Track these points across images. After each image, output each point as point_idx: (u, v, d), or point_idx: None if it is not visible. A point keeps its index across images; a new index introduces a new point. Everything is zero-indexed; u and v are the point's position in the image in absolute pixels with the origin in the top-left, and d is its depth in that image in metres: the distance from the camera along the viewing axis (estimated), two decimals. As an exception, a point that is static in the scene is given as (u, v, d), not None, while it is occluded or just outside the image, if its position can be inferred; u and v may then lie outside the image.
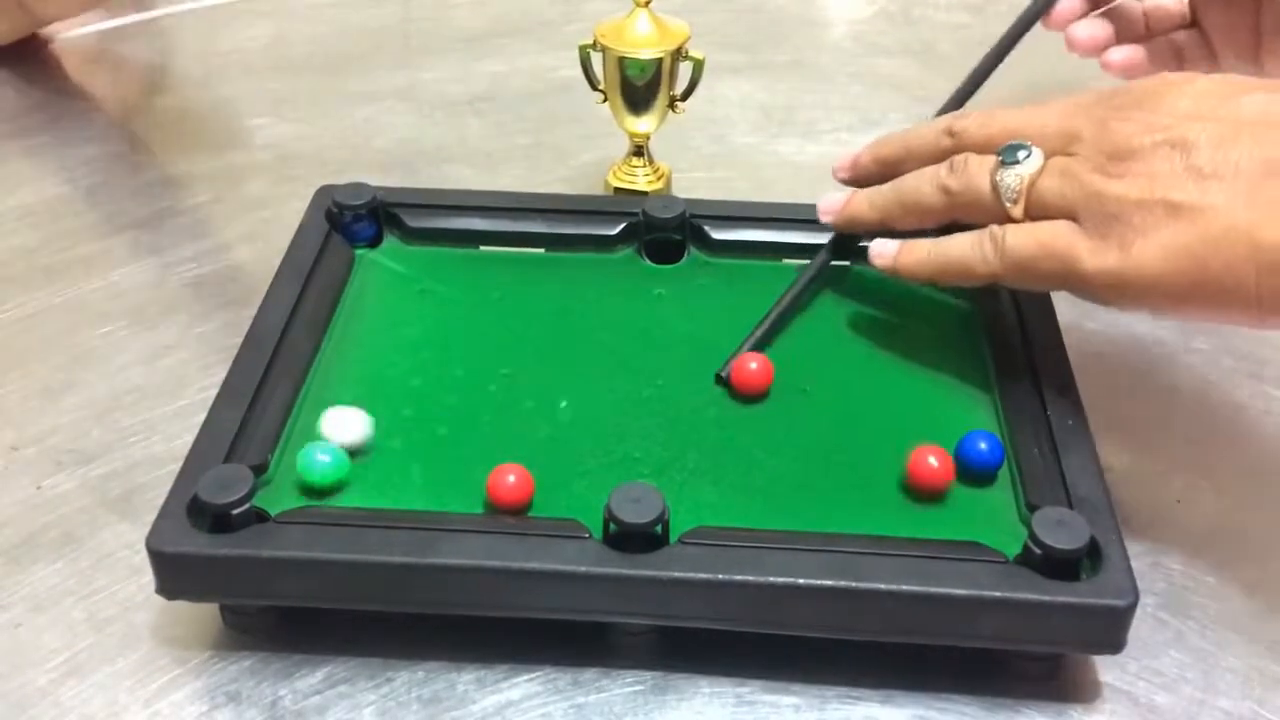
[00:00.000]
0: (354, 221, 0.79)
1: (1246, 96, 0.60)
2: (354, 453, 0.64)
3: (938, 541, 0.60)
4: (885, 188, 0.71)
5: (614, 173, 0.95)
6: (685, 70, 0.90)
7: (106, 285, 0.86)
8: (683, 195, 0.90)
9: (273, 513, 0.60)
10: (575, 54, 0.90)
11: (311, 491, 0.62)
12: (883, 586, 0.56)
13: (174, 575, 0.58)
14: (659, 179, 0.94)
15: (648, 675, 0.60)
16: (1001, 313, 0.73)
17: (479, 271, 0.79)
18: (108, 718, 0.58)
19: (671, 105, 0.91)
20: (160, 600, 0.60)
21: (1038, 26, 0.84)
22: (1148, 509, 0.70)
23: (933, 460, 0.62)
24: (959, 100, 0.80)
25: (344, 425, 0.65)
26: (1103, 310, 0.85)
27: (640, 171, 0.94)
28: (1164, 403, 0.78)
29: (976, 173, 0.66)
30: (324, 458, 0.62)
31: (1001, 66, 0.80)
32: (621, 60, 0.87)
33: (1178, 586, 0.65)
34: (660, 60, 0.87)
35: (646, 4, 0.87)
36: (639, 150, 0.94)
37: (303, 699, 0.59)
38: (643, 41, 0.87)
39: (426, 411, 0.68)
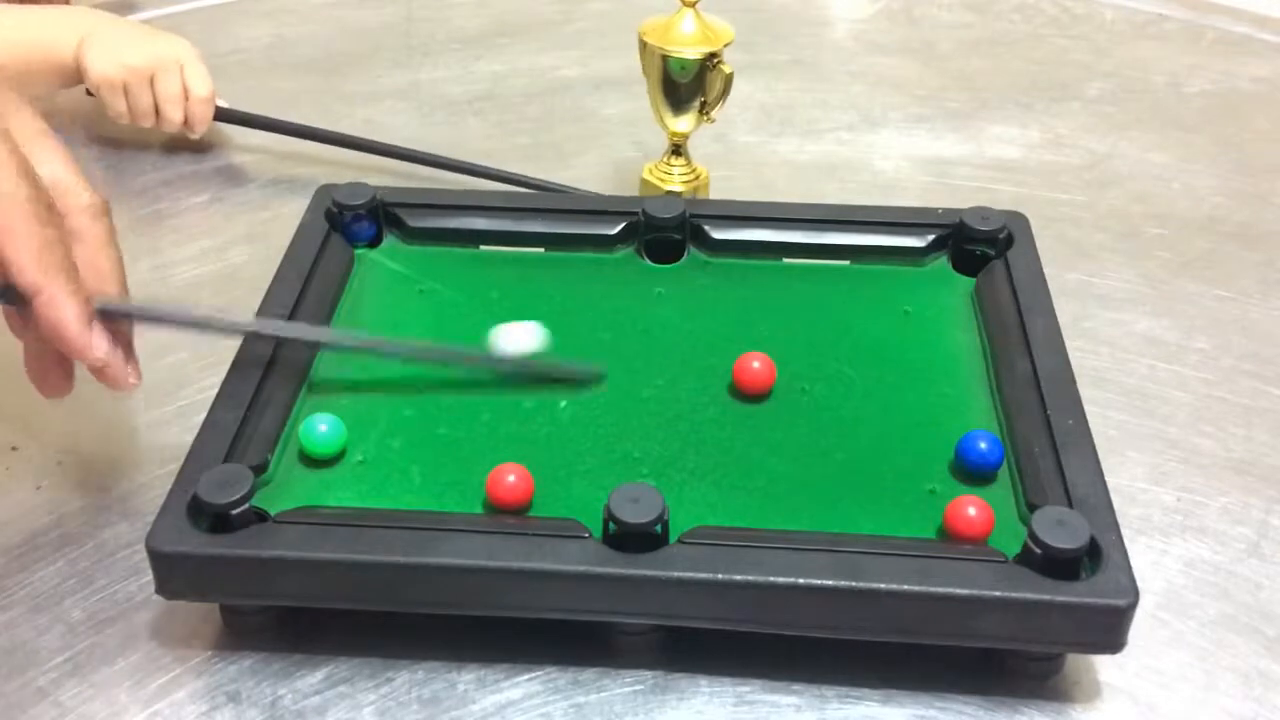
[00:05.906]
0: (354, 221, 0.79)
1: None
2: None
3: (938, 541, 0.60)
4: None
5: (650, 169, 0.93)
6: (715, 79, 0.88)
7: (106, 285, 0.86)
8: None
9: (272, 513, 0.60)
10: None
11: (313, 461, 0.64)
12: (883, 586, 0.56)
13: (173, 575, 0.58)
14: (695, 180, 0.93)
15: (648, 675, 0.60)
16: (1001, 312, 0.73)
17: (479, 271, 0.79)
18: (108, 718, 0.58)
19: (703, 110, 0.90)
20: (160, 600, 0.60)
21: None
22: (1147, 509, 0.70)
23: (972, 511, 0.60)
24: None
25: (517, 337, 0.70)
26: (1102, 311, 0.86)
27: (676, 171, 0.92)
28: (1164, 402, 0.78)
29: None
30: (324, 427, 0.64)
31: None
32: (665, 58, 0.87)
33: (1178, 586, 0.65)
34: (703, 60, 0.86)
35: (694, 4, 0.86)
36: (677, 149, 0.92)
37: (303, 699, 0.59)
38: (687, 40, 0.86)
39: (426, 411, 0.68)
